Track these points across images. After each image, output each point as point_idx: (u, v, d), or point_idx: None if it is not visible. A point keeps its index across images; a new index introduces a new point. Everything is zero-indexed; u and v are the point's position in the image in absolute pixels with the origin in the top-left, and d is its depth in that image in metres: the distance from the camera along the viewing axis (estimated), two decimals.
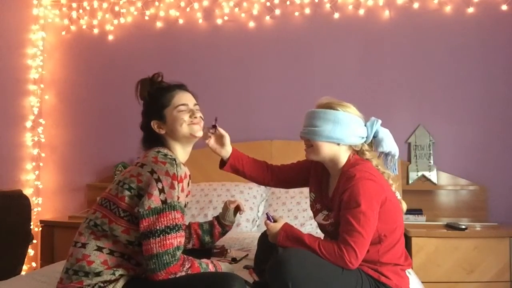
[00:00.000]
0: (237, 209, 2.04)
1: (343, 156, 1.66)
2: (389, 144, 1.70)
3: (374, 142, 1.71)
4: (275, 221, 1.66)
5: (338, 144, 1.63)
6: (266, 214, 1.73)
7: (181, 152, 1.64)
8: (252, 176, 1.95)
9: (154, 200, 1.42)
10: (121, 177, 1.55)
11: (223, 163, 1.92)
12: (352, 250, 1.47)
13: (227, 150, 1.88)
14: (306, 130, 1.66)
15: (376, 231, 1.55)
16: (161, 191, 1.43)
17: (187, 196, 1.61)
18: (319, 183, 1.80)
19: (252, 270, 1.88)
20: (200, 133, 1.63)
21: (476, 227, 2.89)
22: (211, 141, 1.86)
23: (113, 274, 1.45)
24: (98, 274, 1.44)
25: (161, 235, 1.40)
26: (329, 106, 1.65)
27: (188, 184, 1.60)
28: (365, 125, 1.68)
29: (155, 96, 1.64)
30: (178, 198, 1.46)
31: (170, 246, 1.41)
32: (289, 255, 1.46)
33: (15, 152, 3.55)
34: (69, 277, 1.46)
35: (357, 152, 1.69)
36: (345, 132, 1.62)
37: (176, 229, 1.43)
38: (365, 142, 1.69)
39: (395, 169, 1.73)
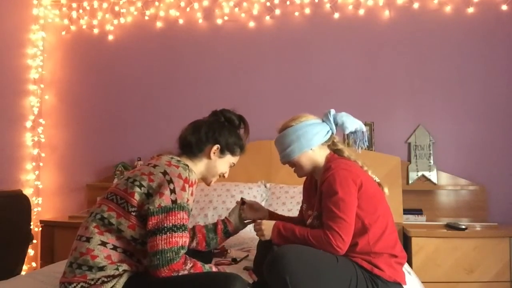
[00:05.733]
0: (241, 212, 2.04)
1: (320, 156, 1.79)
2: (351, 123, 1.81)
3: (339, 128, 1.83)
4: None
5: (312, 149, 1.77)
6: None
7: (196, 173, 1.69)
8: None
9: (165, 199, 1.46)
10: (130, 174, 1.57)
11: None
12: (337, 235, 1.56)
13: (264, 214, 2.00)
14: (282, 155, 1.83)
15: (358, 218, 1.62)
16: (172, 191, 1.47)
17: (193, 201, 1.64)
18: (310, 191, 1.91)
19: (252, 271, 1.88)
20: (210, 186, 1.81)
21: (476, 227, 2.89)
22: (248, 214, 1.98)
23: (117, 269, 1.46)
24: (101, 268, 1.45)
25: (167, 233, 1.43)
26: (285, 126, 1.82)
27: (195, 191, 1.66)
28: (323, 121, 1.81)
29: (238, 140, 1.75)
30: (188, 200, 1.51)
31: (175, 244, 1.44)
32: (284, 251, 1.51)
33: (15, 152, 3.55)
34: (73, 271, 1.46)
35: (331, 146, 1.82)
36: (309, 137, 1.76)
37: (183, 229, 1.47)
38: (333, 134, 1.82)
39: (365, 141, 1.85)
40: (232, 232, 2.00)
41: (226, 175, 1.77)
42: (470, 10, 3.27)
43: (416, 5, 3.33)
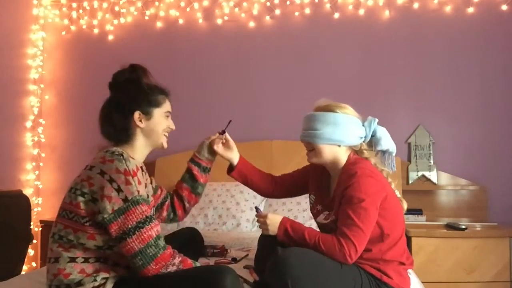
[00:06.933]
0: (212, 144, 1.88)
1: (343, 156, 1.68)
2: (387, 142, 1.72)
3: (373, 141, 1.73)
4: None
5: (339, 146, 1.65)
6: (256, 208, 1.74)
7: (142, 150, 1.61)
8: (257, 185, 1.94)
9: (116, 202, 1.38)
10: (73, 183, 1.50)
11: (230, 169, 1.93)
12: (352, 244, 1.49)
13: (236, 155, 1.90)
14: (306, 133, 1.68)
15: (379, 228, 1.56)
16: (119, 190, 1.38)
17: (146, 186, 1.59)
18: (319, 184, 1.81)
19: (252, 270, 1.88)
20: (165, 146, 1.64)
21: (476, 227, 2.89)
22: (220, 147, 1.87)
23: (95, 280, 1.42)
24: (79, 283, 1.41)
25: (136, 232, 1.37)
26: (328, 109, 1.67)
27: (143, 175, 1.59)
28: (363, 125, 1.70)
29: (149, 90, 1.60)
30: (138, 192, 1.42)
31: (149, 239, 1.38)
32: (288, 254, 1.46)
33: (15, 152, 3.55)
34: None
35: (356, 152, 1.71)
36: (345, 133, 1.64)
37: (148, 221, 1.40)
38: (363, 141, 1.71)
39: (393, 166, 1.76)
40: (208, 165, 1.88)
41: (172, 127, 1.64)
42: (470, 10, 3.27)
43: (416, 5, 3.33)
